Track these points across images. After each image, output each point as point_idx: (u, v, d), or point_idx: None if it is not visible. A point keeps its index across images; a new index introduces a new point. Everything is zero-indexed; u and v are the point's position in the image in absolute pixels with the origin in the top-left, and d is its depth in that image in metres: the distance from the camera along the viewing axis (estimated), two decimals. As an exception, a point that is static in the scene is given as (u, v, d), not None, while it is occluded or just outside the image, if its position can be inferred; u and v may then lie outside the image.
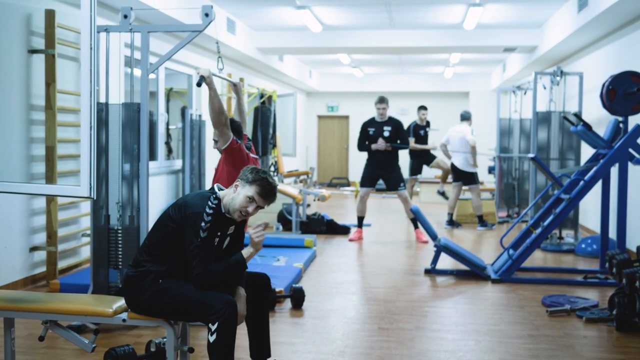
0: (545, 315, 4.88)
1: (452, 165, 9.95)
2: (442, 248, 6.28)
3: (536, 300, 5.34)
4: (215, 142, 4.63)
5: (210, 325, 3.07)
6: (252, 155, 4.78)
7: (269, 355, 3.50)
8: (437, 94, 17.97)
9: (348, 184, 18.02)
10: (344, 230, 8.99)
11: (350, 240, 8.44)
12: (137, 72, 4.61)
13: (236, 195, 3.23)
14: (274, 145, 11.82)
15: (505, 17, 9.73)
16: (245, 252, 3.22)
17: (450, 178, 10.43)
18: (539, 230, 6.12)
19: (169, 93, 9.98)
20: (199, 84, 4.35)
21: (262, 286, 3.47)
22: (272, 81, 14.43)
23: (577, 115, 6.19)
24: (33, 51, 5.59)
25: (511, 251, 6.24)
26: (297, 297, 5.07)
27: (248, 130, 12.03)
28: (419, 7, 9.21)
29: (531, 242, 6.10)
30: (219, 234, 3.23)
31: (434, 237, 6.44)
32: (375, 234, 9.06)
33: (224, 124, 4.45)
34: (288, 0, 8.77)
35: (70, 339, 3.30)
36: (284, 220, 8.99)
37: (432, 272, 6.39)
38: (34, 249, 5.70)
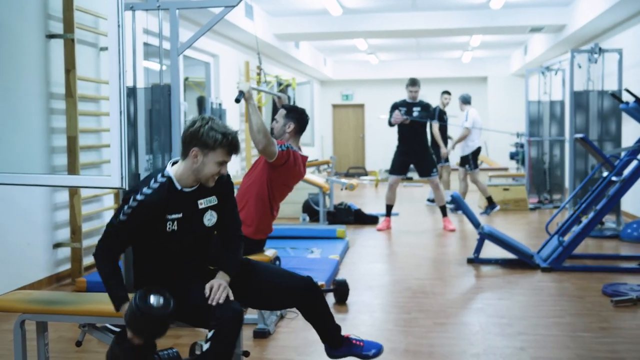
0: (610, 306, 4.53)
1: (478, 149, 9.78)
2: (486, 236, 5.93)
3: (595, 290, 4.98)
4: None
5: (208, 332, 2.72)
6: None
7: (342, 341, 3.20)
8: (455, 80, 17.55)
9: (365, 174, 17.66)
10: (372, 219, 8.65)
11: (379, 229, 8.10)
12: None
13: (201, 166, 2.79)
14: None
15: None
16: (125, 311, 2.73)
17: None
18: (591, 215, 5.75)
19: (185, 83, 9.64)
20: (237, 100, 3.95)
21: (307, 289, 3.06)
22: (287, 69, 14.07)
23: (629, 92, 5.81)
24: (51, 36, 5.26)
25: (558, 238, 5.88)
26: (341, 291, 4.73)
27: (266, 119, 11.72)
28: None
29: (583, 228, 5.74)
30: (175, 216, 2.82)
31: (476, 224, 6.08)
32: (403, 223, 8.72)
33: (268, 144, 3.94)
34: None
35: (110, 342, 2.97)
36: (310, 210, 8.64)
37: (475, 261, 6.04)
38: (57, 245, 5.39)
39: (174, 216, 2.82)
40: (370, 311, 4.52)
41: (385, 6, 10.09)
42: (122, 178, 3.77)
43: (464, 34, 11.77)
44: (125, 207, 2.77)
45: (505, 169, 13.84)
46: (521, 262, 5.88)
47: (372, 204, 10.72)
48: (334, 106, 19.18)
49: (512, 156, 13.97)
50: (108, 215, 6.08)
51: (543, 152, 10.41)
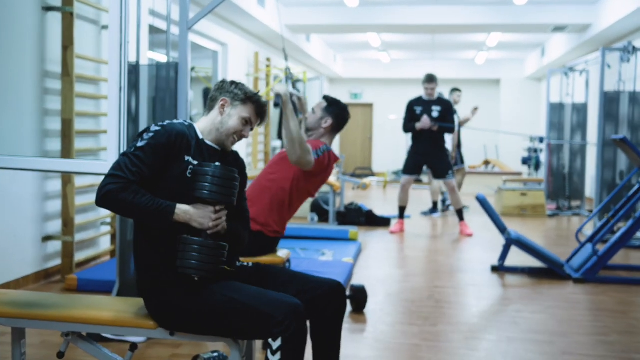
0: (659, 324, 4.07)
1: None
2: (513, 242, 5.47)
3: (638, 305, 4.53)
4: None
5: (271, 341, 2.25)
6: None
7: None
8: (467, 82, 17.04)
9: (372, 175, 17.18)
10: (384, 221, 8.19)
11: (392, 232, 7.64)
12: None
13: (226, 117, 2.54)
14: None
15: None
16: (184, 209, 2.36)
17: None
18: (630, 223, 5.28)
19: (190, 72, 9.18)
20: (276, 105, 3.52)
21: (335, 296, 2.54)
22: (297, 64, 13.61)
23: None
24: (48, 8, 4.80)
25: (593, 247, 5.41)
26: (359, 299, 4.26)
27: (276, 114, 11.26)
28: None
29: (620, 237, 5.27)
30: (195, 162, 2.43)
31: (502, 229, 5.62)
32: (417, 226, 8.26)
33: (306, 157, 3.53)
34: (326, -32, 7.97)
35: (99, 356, 2.51)
36: (319, 210, 8.18)
37: (500, 269, 5.58)
38: (47, 238, 4.92)
39: (193, 161, 2.44)
40: (392, 322, 4.06)
41: (403, -1, 9.64)
42: (119, 164, 3.33)
43: (483, 30, 11.28)
44: (145, 134, 2.40)
45: (519, 174, 13.36)
46: (550, 271, 5.42)
47: (381, 205, 10.25)
48: (342, 105, 18.68)
49: (525, 161, 13.52)
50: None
51: (563, 157, 9.94)
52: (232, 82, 2.58)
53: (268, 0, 9.17)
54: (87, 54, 5.20)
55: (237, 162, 2.64)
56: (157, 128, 2.41)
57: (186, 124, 2.51)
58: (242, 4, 8.07)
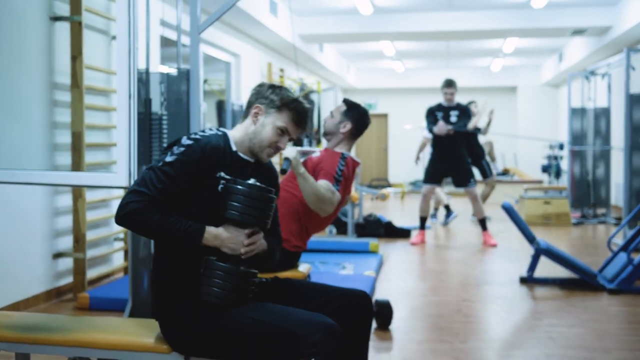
0: None
1: None
2: (543, 252, 5.23)
3: (679, 317, 4.28)
4: None
5: None
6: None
7: None
8: (483, 90, 16.79)
9: (389, 186, 16.95)
10: (403, 233, 7.96)
11: (413, 243, 7.41)
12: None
13: (259, 127, 2.31)
14: (318, 142, 10.84)
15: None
16: (214, 233, 2.17)
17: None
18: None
19: (203, 84, 9.03)
20: (283, 171, 3.29)
21: (362, 306, 2.35)
22: (309, 74, 13.45)
23: None
24: (56, 18, 4.65)
25: (628, 256, 5.16)
26: (384, 314, 4.04)
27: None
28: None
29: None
30: (220, 174, 2.22)
31: (531, 239, 5.38)
32: (438, 237, 8.03)
33: (332, 208, 3.34)
34: (340, -26, 7.80)
35: (109, 383, 2.31)
36: (337, 222, 7.96)
37: (529, 280, 5.34)
38: (58, 255, 4.74)
39: (226, 177, 2.23)
40: (420, 340, 3.83)
41: (418, 5, 9.45)
42: (129, 175, 3.16)
43: (500, 36, 11.06)
44: (175, 148, 2.19)
45: (540, 182, 13.09)
46: (582, 282, 5.17)
47: (400, 216, 10.03)
48: (357, 116, 18.46)
49: (545, 169, 13.26)
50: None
51: (586, 163, 9.68)
52: (271, 86, 2.35)
53: (280, 9, 9.01)
54: (97, 64, 5.04)
55: (270, 173, 2.43)
56: (190, 142, 2.20)
57: (220, 133, 2.31)
58: (255, 13, 7.92)
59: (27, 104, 4.45)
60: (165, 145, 3.73)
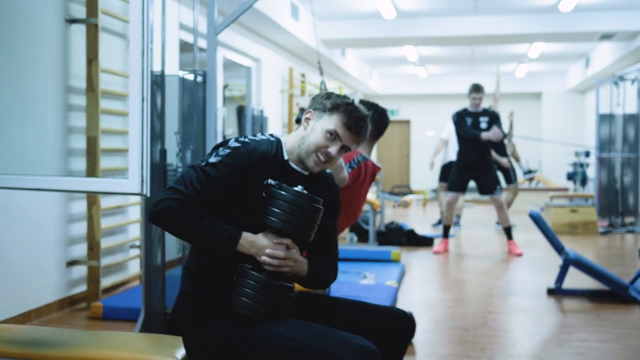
0: None
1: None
2: (572, 262, 5.03)
3: None
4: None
5: None
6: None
7: None
8: (507, 96, 16.46)
9: (411, 192, 16.74)
10: (426, 241, 7.78)
11: (436, 252, 7.22)
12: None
13: (309, 131, 2.16)
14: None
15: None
16: (250, 240, 2.02)
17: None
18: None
19: (224, 92, 8.91)
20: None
21: (403, 331, 2.18)
22: (332, 80, 13.32)
23: None
24: (72, 21, 4.55)
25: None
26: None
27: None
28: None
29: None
30: (268, 181, 2.06)
31: (559, 249, 5.18)
32: (461, 246, 7.83)
33: (337, 173, 3.21)
34: (362, -22, 7.65)
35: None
36: (358, 229, 7.80)
37: (557, 292, 5.14)
38: (71, 263, 4.64)
39: (273, 183, 2.09)
40: (446, 355, 3.65)
41: (443, 8, 9.27)
42: (142, 182, 3.01)
43: (526, 40, 10.83)
44: (220, 149, 2.05)
45: (566, 189, 12.81)
46: (613, 294, 4.97)
47: (422, 224, 9.84)
48: (379, 122, 18.25)
49: (570, 176, 12.99)
50: (133, 230, 5.34)
51: (614, 171, 9.43)
52: (327, 94, 2.20)
53: (302, 13, 8.89)
54: (113, 68, 4.94)
55: (329, 190, 2.26)
56: (237, 144, 2.06)
57: (273, 139, 2.16)
58: (276, 17, 7.80)
59: (42, 108, 4.35)
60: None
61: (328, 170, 2.35)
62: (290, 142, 2.18)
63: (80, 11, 4.61)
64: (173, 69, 5.02)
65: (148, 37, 2.97)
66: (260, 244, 2.02)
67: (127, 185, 3.01)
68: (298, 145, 2.15)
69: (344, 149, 2.16)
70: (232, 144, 2.07)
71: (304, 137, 2.15)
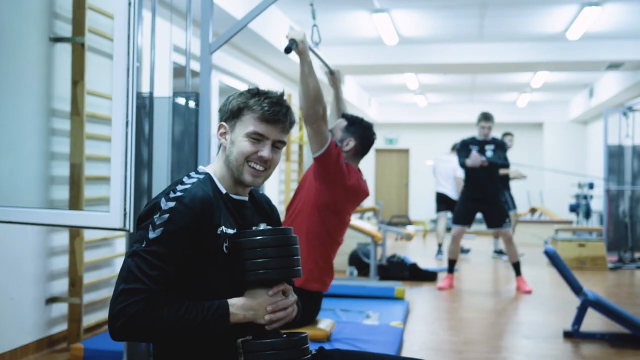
0: None
1: (442, 195, 9.51)
2: (591, 304, 4.68)
3: None
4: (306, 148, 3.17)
5: None
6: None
7: None
8: (508, 126, 16.16)
9: (409, 223, 16.40)
10: (429, 275, 7.42)
11: (440, 288, 6.86)
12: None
13: (229, 146, 1.85)
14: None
15: (618, 24, 8.18)
16: (240, 304, 1.70)
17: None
18: None
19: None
20: (287, 50, 2.90)
21: None
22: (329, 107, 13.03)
23: None
24: (56, 39, 4.24)
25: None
26: (417, 378, 3.50)
27: (309, 159, 10.63)
28: (518, 10, 7.74)
29: None
30: (229, 232, 1.75)
31: (577, 289, 4.83)
32: (467, 281, 7.47)
33: (321, 117, 2.98)
34: (364, 2, 7.39)
35: None
36: (358, 263, 7.45)
37: (575, 335, 4.78)
38: (51, 300, 4.27)
39: (228, 231, 1.75)
40: (461, 410, 3.30)
41: (446, 35, 9.00)
42: (125, 215, 2.70)
43: (531, 69, 10.56)
44: (155, 216, 1.67)
45: (570, 222, 12.49)
46: (635, 338, 4.61)
47: (422, 257, 9.50)
48: (377, 151, 18.02)
49: (573, 208, 12.71)
50: (119, 264, 4.97)
51: (624, 204, 9.11)
52: (227, 99, 1.89)
53: (302, 38, 8.62)
54: (100, 90, 4.62)
55: (272, 212, 1.99)
56: (172, 204, 1.70)
57: (202, 177, 1.83)
58: (273, 40, 7.53)
59: (22, 132, 4.02)
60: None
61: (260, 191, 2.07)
62: (217, 170, 1.87)
63: (65, 29, 4.30)
64: (164, 92, 4.70)
65: (134, 54, 2.67)
66: (256, 304, 1.69)
67: (108, 219, 2.69)
68: (227, 167, 1.84)
69: (277, 146, 1.85)
70: (165, 205, 1.71)
71: (228, 155, 1.84)
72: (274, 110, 1.80)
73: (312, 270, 3.07)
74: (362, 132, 3.24)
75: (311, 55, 3.12)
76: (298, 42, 2.87)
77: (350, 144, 3.22)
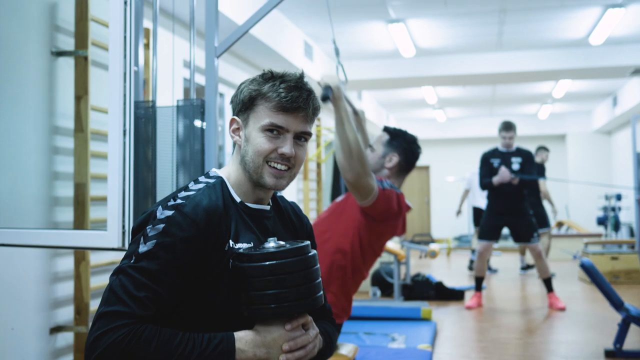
0: None
1: (479, 209, 9.31)
2: (634, 320, 4.35)
3: None
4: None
5: None
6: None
7: None
8: (530, 139, 15.91)
9: (432, 241, 16.03)
10: (456, 294, 7.10)
11: (468, 307, 6.53)
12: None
13: (244, 144, 1.55)
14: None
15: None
16: (249, 340, 1.39)
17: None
18: None
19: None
20: (324, 98, 2.55)
21: None
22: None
23: None
24: (59, 53, 4.03)
25: None
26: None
27: (327, 177, 10.37)
28: (538, 15, 7.46)
29: None
30: (245, 246, 1.46)
31: (618, 304, 4.50)
32: (495, 300, 7.13)
33: (363, 174, 2.61)
34: (380, 12, 7.16)
35: None
36: (381, 283, 7.14)
37: (617, 354, 4.45)
38: (56, 329, 4.01)
39: (243, 246, 1.46)
40: None
41: (464, 45, 8.74)
42: (123, 234, 2.46)
43: (553, 77, 10.23)
44: (148, 228, 1.39)
45: (599, 235, 12.09)
46: (683, 357, 4.28)
47: (447, 275, 9.17)
48: (396, 168, 17.68)
49: (601, 221, 12.34)
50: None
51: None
52: (238, 87, 1.59)
53: (316, 52, 8.40)
54: (105, 105, 4.37)
55: (300, 223, 1.69)
56: (169, 213, 1.42)
57: (212, 182, 1.53)
58: (288, 56, 7.31)
59: (23, 151, 3.80)
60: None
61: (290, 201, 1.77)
62: (232, 173, 1.58)
63: (68, 42, 4.09)
64: (168, 101, 4.47)
65: (130, 58, 2.43)
66: (269, 341, 1.39)
67: (104, 239, 2.44)
68: (244, 170, 1.55)
69: (300, 139, 1.55)
70: (161, 213, 1.42)
71: (243, 154, 1.54)
72: (292, 96, 1.50)
73: (331, 303, 2.77)
74: (406, 146, 2.94)
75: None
76: (334, 88, 2.55)
77: (394, 159, 2.92)
